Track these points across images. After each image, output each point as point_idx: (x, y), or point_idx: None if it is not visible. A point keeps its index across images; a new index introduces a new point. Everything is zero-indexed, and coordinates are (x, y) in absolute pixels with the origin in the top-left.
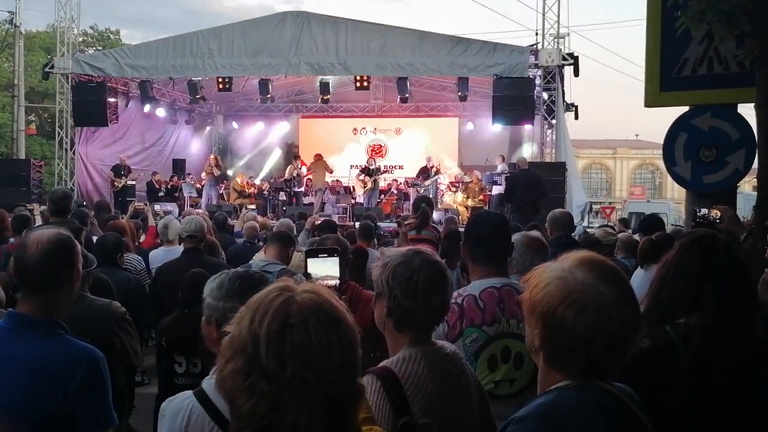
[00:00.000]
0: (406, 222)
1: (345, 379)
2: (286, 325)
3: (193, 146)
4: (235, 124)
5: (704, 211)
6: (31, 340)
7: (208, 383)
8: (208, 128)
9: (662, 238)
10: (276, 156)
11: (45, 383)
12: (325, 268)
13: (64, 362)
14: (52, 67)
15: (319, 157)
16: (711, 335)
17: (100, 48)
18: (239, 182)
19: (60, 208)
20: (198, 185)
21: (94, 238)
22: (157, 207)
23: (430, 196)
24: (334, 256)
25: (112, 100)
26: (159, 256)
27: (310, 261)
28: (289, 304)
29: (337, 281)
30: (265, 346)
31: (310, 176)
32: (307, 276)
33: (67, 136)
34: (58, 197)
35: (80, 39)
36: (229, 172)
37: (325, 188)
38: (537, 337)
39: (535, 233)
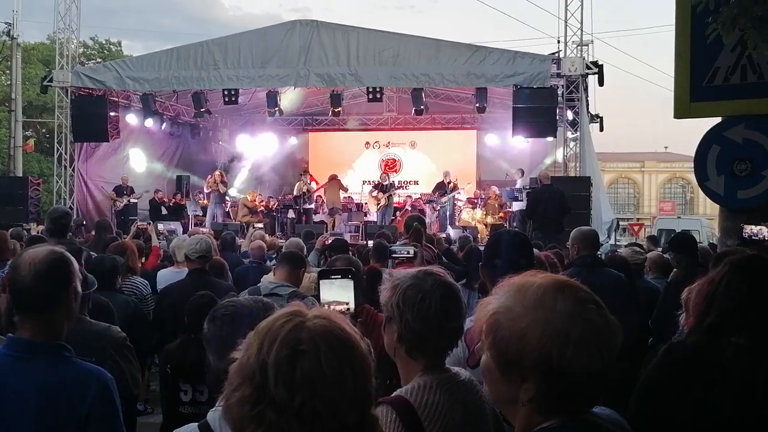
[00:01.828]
0: (399, 243)
1: (357, 410)
2: (296, 352)
3: (198, 162)
4: (241, 139)
5: (752, 228)
6: (37, 366)
7: (213, 416)
8: (213, 143)
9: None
10: (286, 172)
11: (55, 410)
12: (338, 292)
13: (72, 386)
14: (51, 80)
15: (333, 177)
16: (759, 356)
17: (101, 60)
18: (250, 199)
19: (59, 227)
20: (203, 203)
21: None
22: (160, 226)
23: (447, 213)
24: (348, 277)
25: (113, 114)
26: (166, 276)
27: (323, 284)
28: (300, 330)
29: (351, 305)
30: (273, 374)
31: (321, 193)
32: (319, 300)
33: (66, 152)
34: (58, 216)
35: (80, 51)
36: (233, 190)
37: (340, 209)
38: (527, 391)
39: (544, 253)
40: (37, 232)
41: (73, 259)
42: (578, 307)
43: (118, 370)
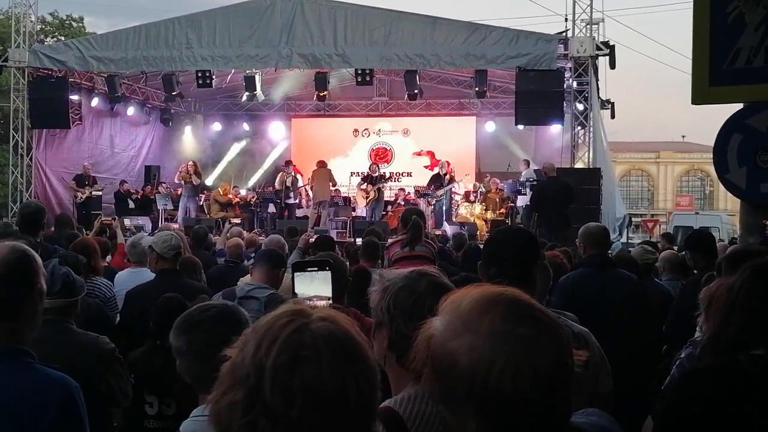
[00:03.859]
0: (396, 238)
1: (359, 426)
2: (296, 357)
3: (169, 151)
4: (217, 126)
5: None
6: None
7: (191, 427)
8: (186, 130)
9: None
10: (267, 162)
11: (14, 421)
12: (315, 286)
13: (34, 394)
14: (6, 59)
15: (322, 164)
16: None
17: (61, 38)
18: (221, 192)
19: (28, 223)
20: (174, 195)
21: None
22: (127, 221)
23: (444, 207)
24: (325, 269)
25: (74, 98)
26: (123, 278)
27: (297, 277)
28: (302, 332)
29: (329, 301)
30: (270, 378)
31: (308, 186)
32: (294, 296)
33: (23, 140)
34: (28, 212)
35: (38, 27)
36: (209, 182)
37: (327, 202)
38: (469, 422)
39: (552, 253)
40: None
41: (36, 256)
42: (507, 325)
43: (106, 384)
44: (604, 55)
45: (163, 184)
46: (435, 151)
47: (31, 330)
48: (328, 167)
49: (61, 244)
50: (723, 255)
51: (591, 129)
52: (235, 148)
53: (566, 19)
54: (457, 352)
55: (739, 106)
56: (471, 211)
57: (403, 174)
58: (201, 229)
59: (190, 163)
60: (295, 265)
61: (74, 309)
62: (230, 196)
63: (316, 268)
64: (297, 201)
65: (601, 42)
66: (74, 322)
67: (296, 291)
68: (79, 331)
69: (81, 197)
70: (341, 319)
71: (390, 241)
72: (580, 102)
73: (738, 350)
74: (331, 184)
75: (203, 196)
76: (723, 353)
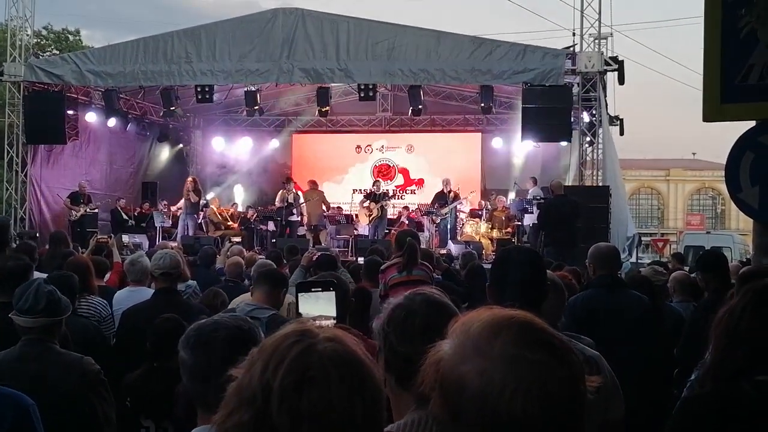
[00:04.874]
0: (391, 261)
1: None
2: (303, 378)
3: (167, 167)
4: (217, 141)
5: None
6: None
7: None
8: (183, 146)
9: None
10: (267, 179)
11: None
12: (320, 306)
13: None
14: (1, 73)
15: (313, 185)
16: None
17: (58, 51)
18: (216, 210)
19: None
20: (173, 212)
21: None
22: (125, 238)
23: (448, 226)
24: (329, 290)
25: (71, 112)
26: (122, 296)
27: (301, 297)
28: (309, 353)
29: (333, 321)
30: (278, 399)
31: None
32: (299, 316)
33: (17, 156)
34: None
35: (34, 41)
36: (208, 197)
37: (323, 224)
38: None
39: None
40: None
41: None
42: (519, 349)
43: (90, 407)
44: (612, 71)
45: (162, 202)
46: (439, 169)
47: None
48: (320, 189)
49: (56, 263)
50: (735, 276)
51: (599, 146)
52: (235, 164)
53: (574, 34)
54: (467, 375)
55: (752, 123)
56: (476, 230)
57: (407, 191)
58: (209, 249)
59: (189, 179)
60: (299, 286)
61: (58, 329)
62: (224, 209)
63: (320, 288)
64: (299, 219)
65: (610, 57)
66: (58, 341)
67: (301, 311)
68: (63, 351)
69: (75, 215)
70: (347, 339)
71: (385, 264)
72: (587, 118)
73: (741, 376)
74: (324, 206)
75: (202, 213)
76: (725, 380)
